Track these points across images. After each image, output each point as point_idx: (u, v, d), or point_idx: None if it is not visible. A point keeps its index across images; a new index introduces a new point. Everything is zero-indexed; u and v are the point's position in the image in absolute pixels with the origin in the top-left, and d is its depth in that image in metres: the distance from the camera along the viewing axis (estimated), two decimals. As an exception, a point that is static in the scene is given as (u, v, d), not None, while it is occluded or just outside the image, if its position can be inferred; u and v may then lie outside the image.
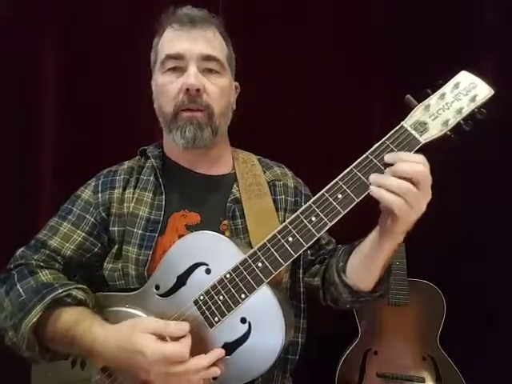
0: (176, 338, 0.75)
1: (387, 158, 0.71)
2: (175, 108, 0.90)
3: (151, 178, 0.97)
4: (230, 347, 0.77)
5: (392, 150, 0.72)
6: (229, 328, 0.77)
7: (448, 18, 1.61)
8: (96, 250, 0.94)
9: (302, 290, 0.99)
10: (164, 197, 0.94)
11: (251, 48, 1.47)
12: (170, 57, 0.91)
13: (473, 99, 0.73)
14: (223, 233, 0.91)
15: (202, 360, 0.74)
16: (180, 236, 0.89)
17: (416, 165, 0.69)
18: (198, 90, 0.88)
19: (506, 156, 1.51)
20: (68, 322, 0.79)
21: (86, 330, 0.78)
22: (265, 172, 1.03)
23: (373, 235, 0.82)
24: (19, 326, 0.77)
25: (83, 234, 0.93)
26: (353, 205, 0.73)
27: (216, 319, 0.77)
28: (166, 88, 0.91)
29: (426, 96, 0.77)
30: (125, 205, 0.94)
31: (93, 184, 0.99)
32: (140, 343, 0.73)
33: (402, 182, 0.68)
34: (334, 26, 1.63)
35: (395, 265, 1.53)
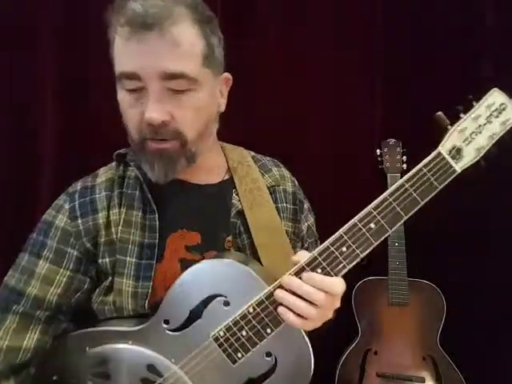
0: None
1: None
2: (140, 136, 0.74)
3: (136, 192, 0.82)
4: (255, 382, 0.73)
5: (428, 179, 0.68)
6: (253, 363, 0.73)
7: (448, 18, 1.58)
8: (86, 286, 0.80)
9: None
10: (157, 215, 0.81)
11: (250, 47, 1.45)
12: (124, 76, 0.72)
13: (503, 123, 0.71)
14: (228, 250, 0.84)
15: None
16: (180, 259, 0.80)
17: (317, 293, 0.69)
18: (162, 121, 0.71)
19: (505, 156, 1.50)
20: None
21: None
22: (263, 175, 0.93)
23: None
24: None
25: (68, 273, 0.77)
26: (386, 235, 0.69)
27: (239, 355, 0.73)
28: (127, 111, 0.75)
29: (457, 114, 0.73)
30: (112, 229, 0.80)
31: (67, 207, 0.81)
32: None
33: (304, 305, 0.69)
34: (334, 25, 1.60)
35: (395, 264, 1.52)
